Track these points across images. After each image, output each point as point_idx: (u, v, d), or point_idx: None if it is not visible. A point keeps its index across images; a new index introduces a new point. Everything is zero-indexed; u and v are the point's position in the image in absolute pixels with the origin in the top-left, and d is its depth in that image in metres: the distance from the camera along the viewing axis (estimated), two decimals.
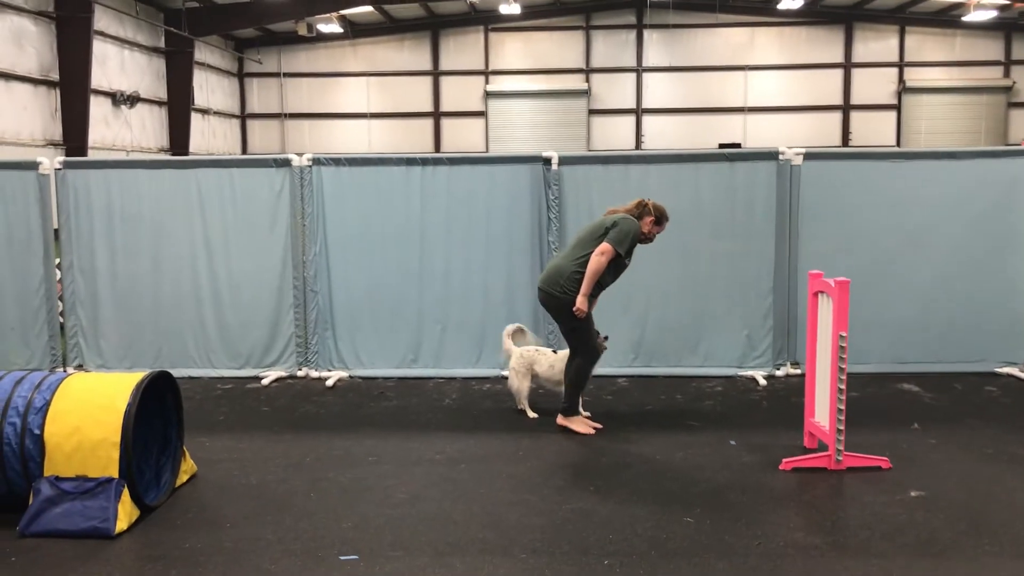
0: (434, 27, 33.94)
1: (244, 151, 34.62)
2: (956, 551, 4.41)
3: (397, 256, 8.20)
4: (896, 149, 28.16)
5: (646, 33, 33.20)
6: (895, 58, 32.60)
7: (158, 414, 5.30)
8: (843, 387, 5.43)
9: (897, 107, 32.67)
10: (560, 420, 6.54)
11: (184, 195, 8.28)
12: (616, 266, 6.33)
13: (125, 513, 4.63)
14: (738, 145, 29.72)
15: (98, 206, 8.25)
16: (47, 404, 4.78)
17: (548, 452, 6.01)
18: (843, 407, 5.43)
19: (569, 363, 6.52)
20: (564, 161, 8.10)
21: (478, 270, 8.17)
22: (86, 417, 4.72)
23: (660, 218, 6.43)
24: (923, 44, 32.42)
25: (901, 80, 32.51)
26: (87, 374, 5.26)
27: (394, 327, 8.24)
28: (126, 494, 4.66)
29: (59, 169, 8.25)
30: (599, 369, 6.92)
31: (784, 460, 5.60)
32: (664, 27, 32.86)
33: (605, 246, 6.18)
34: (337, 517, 4.88)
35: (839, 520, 4.80)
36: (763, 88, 32.94)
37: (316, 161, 8.20)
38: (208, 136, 32.41)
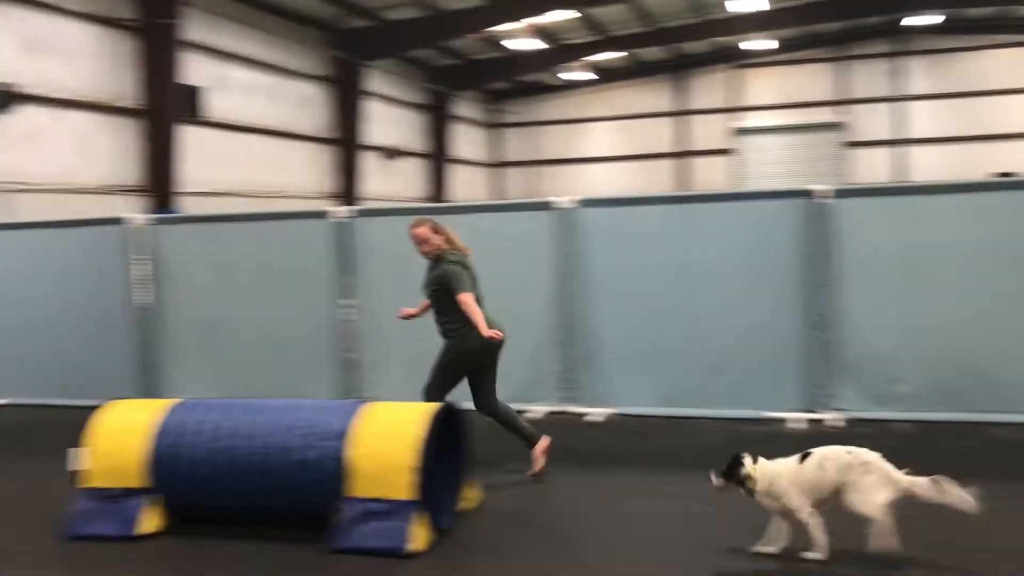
0: (678, 68, 34.00)
1: (499, 198, 36.13)
2: None
3: (660, 294, 8.24)
4: None
5: (909, 60, 31.45)
6: None
7: (448, 443, 5.64)
8: None
9: None
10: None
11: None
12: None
13: (420, 534, 4.95)
14: (1013, 175, 27.26)
15: (381, 250, 8.93)
16: (350, 430, 5.22)
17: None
18: None
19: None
20: (838, 194, 7.84)
21: (742, 308, 8.04)
22: (385, 443, 5.11)
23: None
24: None
25: None
26: (384, 403, 5.69)
27: (657, 365, 8.26)
28: (421, 516, 4.99)
29: (348, 217, 9.04)
30: (881, 414, 6.55)
31: None
32: (928, 53, 31.00)
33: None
34: (605, 545, 4.96)
35: None
36: None
37: (579, 202, 8.45)
38: (466, 184, 34.13)
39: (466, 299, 6.16)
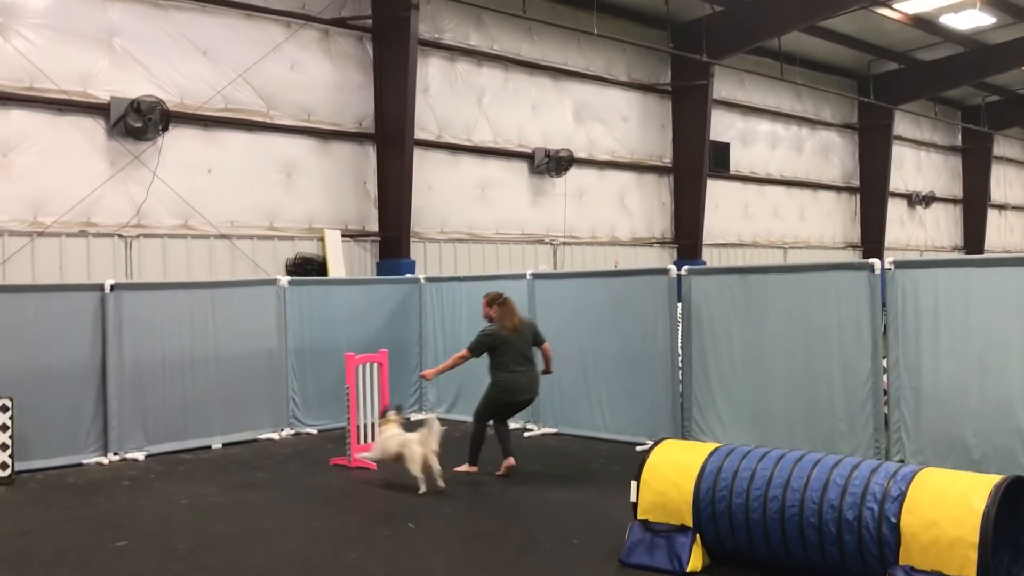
0: None
1: None
2: None
3: None
4: None
5: None
6: None
7: (1010, 518, 5.09)
8: None
9: None
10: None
11: (1003, 292, 7.93)
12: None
13: None
14: None
15: (921, 304, 8.39)
16: (903, 494, 4.96)
17: None
18: None
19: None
20: None
21: None
22: (942, 513, 4.77)
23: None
24: None
25: None
26: (940, 469, 5.33)
27: None
28: None
29: (888, 269, 8.65)
30: None
31: None
32: None
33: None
34: None
35: None
36: None
37: None
38: (1004, 231, 30.76)
39: (458, 354, 8.81)
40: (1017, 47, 22.36)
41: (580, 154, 18.49)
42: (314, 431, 11.22)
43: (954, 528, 4.71)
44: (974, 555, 4.61)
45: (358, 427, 9.20)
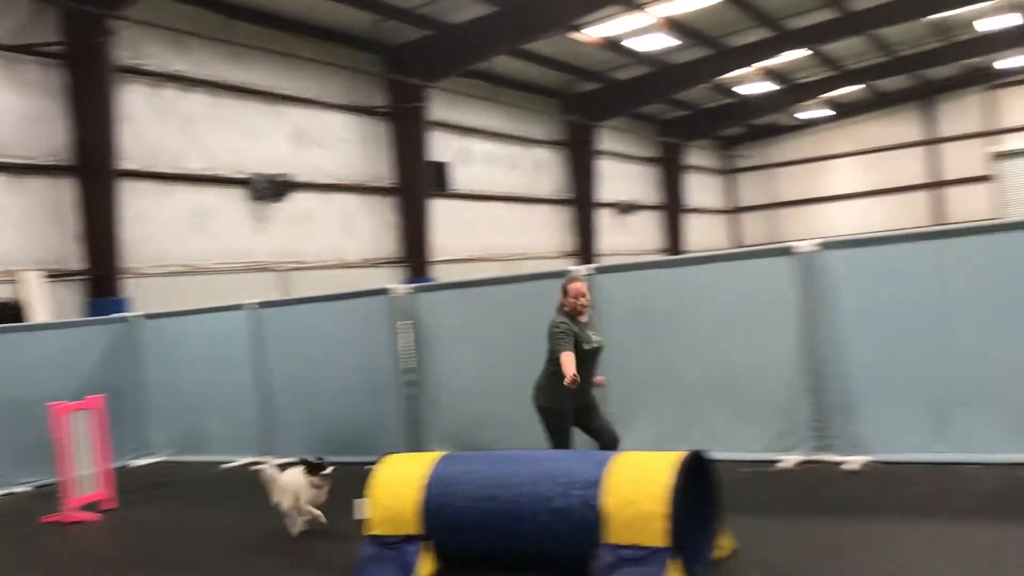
0: (924, 95, 32.21)
1: (736, 244, 35.55)
2: None
3: (915, 337, 7.89)
4: None
5: None
6: None
7: (697, 491, 5.72)
8: None
9: None
10: None
11: (694, 288, 8.89)
12: (581, 361, 6.58)
13: None
14: None
15: (620, 304, 9.16)
16: (601, 479, 5.44)
17: None
18: None
19: None
20: None
21: (1005, 347, 7.52)
22: (638, 491, 5.29)
23: (564, 291, 6.89)
24: None
25: None
26: (636, 452, 5.87)
27: (916, 409, 7.87)
28: (676, 563, 5.10)
29: (590, 274, 9.36)
30: None
31: None
32: None
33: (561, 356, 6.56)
34: None
35: None
36: None
37: (822, 245, 8.30)
38: (703, 232, 33.93)
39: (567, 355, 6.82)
40: (698, 66, 24.83)
41: (301, 178, 18.33)
42: (28, 488, 10.34)
43: (648, 503, 5.23)
44: (665, 525, 5.15)
45: (76, 478, 8.60)
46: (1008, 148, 30.71)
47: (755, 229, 35.69)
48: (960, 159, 31.62)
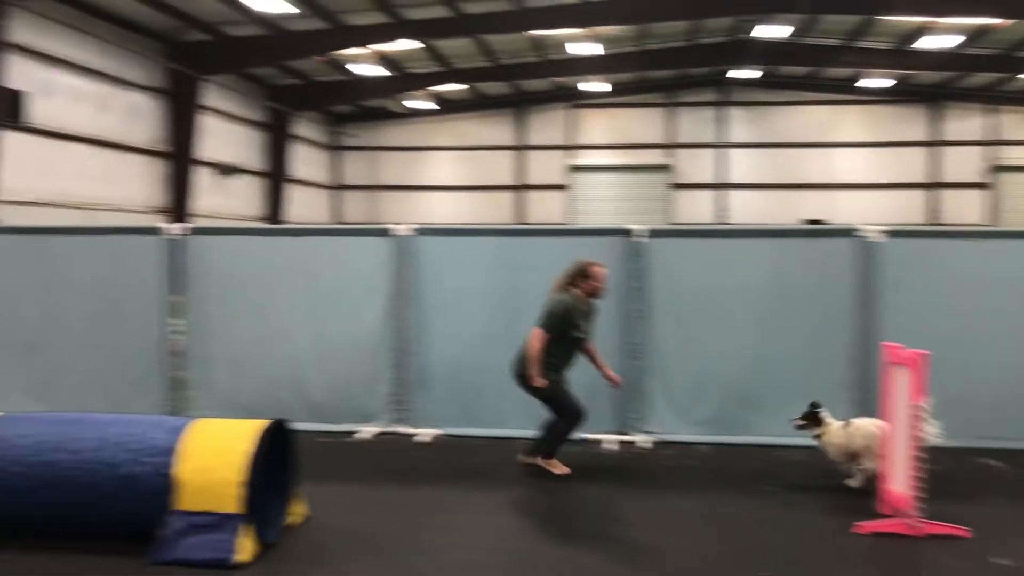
0: (519, 103, 35.01)
1: (337, 221, 35.87)
2: None
3: (487, 322, 8.64)
4: (982, 228, 27.85)
5: (731, 110, 33.70)
6: (985, 136, 32.44)
7: (275, 459, 5.78)
8: (920, 455, 5.60)
9: (987, 185, 32.40)
10: (539, 461, 7.23)
11: (292, 261, 8.92)
12: (567, 342, 7.09)
13: (246, 547, 5.09)
14: (821, 222, 29.68)
15: (216, 270, 8.92)
16: (178, 446, 5.30)
17: (585, 504, 6.30)
18: (920, 474, 5.60)
19: (553, 424, 7.22)
20: (652, 234, 8.52)
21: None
22: (216, 458, 5.23)
23: (586, 275, 7.20)
24: (1018, 123, 32.13)
25: (993, 158, 32.31)
26: (212, 420, 5.78)
27: (482, 389, 8.63)
28: (247, 529, 5.13)
29: (183, 235, 8.98)
30: (686, 436, 7.77)
31: (860, 524, 5.76)
32: (748, 104, 33.35)
33: (534, 331, 7.00)
34: (432, 556, 5.27)
35: None
36: (847, 165, 33.02)
37: (417, 231, 8.78)
38: (305, 205, 33.75)
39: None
40: (314, 38, 24.62)
41: None
42: None
43: (224, 471, 5.20)
44: (240, 492, 5.15)
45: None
46: (581, 163, 34.76)
47: (356, 208, 36.31)
48: (543, 167, 34.88)
